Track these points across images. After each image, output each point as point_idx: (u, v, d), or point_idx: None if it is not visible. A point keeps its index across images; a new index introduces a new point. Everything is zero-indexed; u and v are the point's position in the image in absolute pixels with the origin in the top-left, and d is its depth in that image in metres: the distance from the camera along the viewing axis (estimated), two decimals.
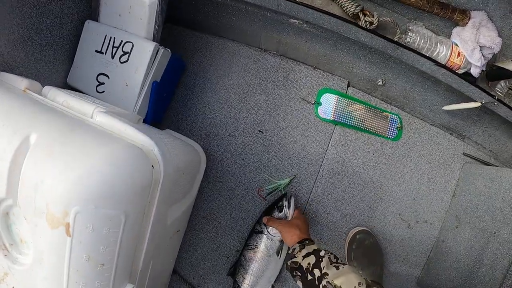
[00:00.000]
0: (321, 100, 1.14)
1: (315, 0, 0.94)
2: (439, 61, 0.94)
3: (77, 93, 0.83)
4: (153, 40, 0.97)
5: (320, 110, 1.14)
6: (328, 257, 0.79)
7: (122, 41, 0.96)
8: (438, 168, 1.18)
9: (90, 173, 0.53)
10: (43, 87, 0.74)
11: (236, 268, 1.12)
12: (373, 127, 1.15)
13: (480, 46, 0.92)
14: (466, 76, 0.96)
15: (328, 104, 1.14)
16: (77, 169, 0.53)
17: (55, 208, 0.52)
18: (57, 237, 0.53)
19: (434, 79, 0.99)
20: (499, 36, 0.92)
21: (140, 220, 0.63)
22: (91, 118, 0.67)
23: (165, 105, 1.17)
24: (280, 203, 1.06)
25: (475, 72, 0.94)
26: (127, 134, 0.65)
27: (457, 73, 0.95)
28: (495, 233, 0.98)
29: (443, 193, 1.18)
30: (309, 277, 0.78)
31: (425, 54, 0.95)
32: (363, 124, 1.15)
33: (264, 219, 1.06)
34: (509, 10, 0.93)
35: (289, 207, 1.04)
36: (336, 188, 1.17)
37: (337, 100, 1.14)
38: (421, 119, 1.18)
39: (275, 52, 1.17)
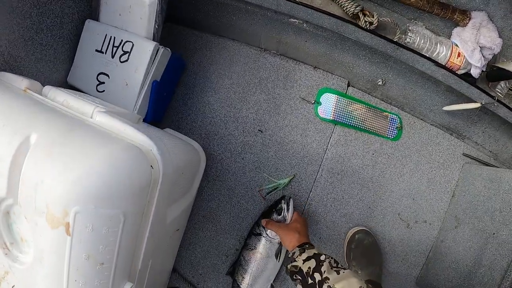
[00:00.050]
0: (321, 100, 1.14)
1: (315, 0, 0.94)
2: (439, 61, 0.94)
3: (77, 92, 0.83)
4: (153, 40, 0.97)
5: (320, 109, 1.14)
6: (329, 262, 0.79)
7: (122, 40, 0.96)
8: (438, 168, 1.18)
9: (90, 174, 0.54)
10: (44, 86, 0.74)
11: (235, 268, 1.12)
12: (373, 127, 1.15)
13: (480, 47, 0.92)
14: (466, 76, 0.96)
15: (328, 104, 1.14)
16: (76, 169, 0.53)
17: (55, 208, 0.52)
18: (57, 237, 0.54)
19: (434, 79, 0.99)
20: (500, 36, 0.92)
21: (139, 219, 0.63)
22: (91, 118, 0.68)
23: (165, 105, 1.17)
24: (279, 206, 1.05)
25: (475, 72, 0.94)
26: (126, 134, 0.66)
27: (457, 73, 0.95)
28: (494, 234, 0.98)
29: (443, 193, 1.19)
30: (310, 281, 0.78)
31: (425, 54, 0.95)
32: (363, 124, 1.15)
33: (263, 222, 1.05)
34: (509, 11, 0.92)
35: (288, 209, 1.03)
36: (335, 187, 1.17)
37: (337, 99, 1.14)
38: (421, 119, 1.18)
39: (275, 52, 1.17)
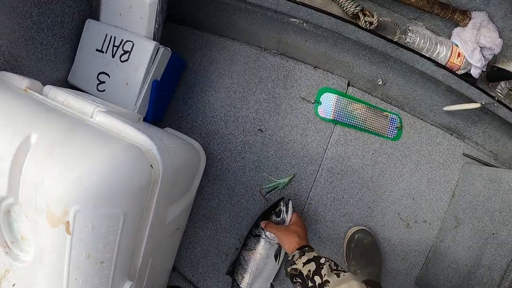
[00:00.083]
0: (321, 100, 1.15)
1: (315, 0, 0.94)
2: (439, 61, 0.94)
3: (77, 92, 0.83)
4: (154, 39, 0.97)
5: (320, 109, 1.15)
6: (329, 264, 0.79)
7: (122, 40, 0.96)
8: (438, 168, 1.18)
9: (90, 173, 0.54)
10: (44, 86, 0.74)
11: (235, 267, 1.13)
12: (373, 127, 1.15)
13: (480, 47, 0.92)
14: (466, 76, 0.96)
15: (328, 104, 1.14)
16: (76, 169, 0.54)
17: (55, 207, 0.53)
18: (57, 235, 0.54)
19: (434, 79, 0.99)
20: (500, 37, 0.92)
21: (139, 218, 0.63)
22: (91, 117, 0.68)
23: (166, 104, 1.17)
24: (278, 208, 1.05)
25: (475, 73, 0.94)
26: (126, 134, 0.66)
27: (457, 73, 0.95)
28: (493, 234, 0.98)
29: (443, 193, 1.19)
30: (310, 284, 0.78)
31: (425, 54, 0.95)
32: (363, 124, 1.15)
33: (262, 224, 1.05)
34: (510, 11, 0.92)
35: (287, 212, 1.02)
36: (335, 187, 1.17)
37: (337, 99, 1.14)
38: (421, 119, 1.18)
39: (275, 51, 1.18)
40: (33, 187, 0.54)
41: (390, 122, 1.16)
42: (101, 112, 0.67)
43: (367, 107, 1.15)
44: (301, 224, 0.99)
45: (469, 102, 0.99)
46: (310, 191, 1.17)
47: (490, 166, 1.16)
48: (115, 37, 0.98)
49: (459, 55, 0.93)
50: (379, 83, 1.13)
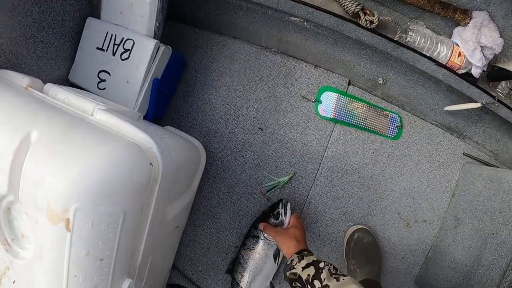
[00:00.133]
0: (321, 98, 1.15)
1: None
2: (439, 61, 0.94)
3: (78, 90, 0.84)
4: (154, 38, 0.98)
5: (320, 108, 1.14)
6: (328, 269, 0.79)
7: (123, 38, 0.97)
8: (438, 168, 1.18)
9: (90, 171, 0.54)
10: (45, 84, 0.75)
11: (235, 266, 1.13)
12: (373, 126, 1.15)
13: (481, 47, 0.92)
14: (467, 76, 0.96)
15: (329, 102, 1.14)
16: (77, 167, 0.54)
17: (55, 204, 0.53)
18: (57, 233, 0.54)
19: (435, 78, 0.99)
20: (501, 36, 0.92)
21: (139, 216, 0.64)
22: (92, 115, 0.68)
23: (166, 102, 1.18)
24: (276, 210, 1.04)
25: (476, 72, 0.94)
26: (126, 132, 0.66)
27: (457, 73, 0.94)
28: (493, 234, 0.98)
29: (443, 193, 1.19)
30: None
31: (426, 53, 0.94)
32: (363, 123, 1.15)
33: (261, 226, 1.04)
34: (511, 11, 0.92)
35: (285, 214, 1.02)
36: (335, 186, 1.17)
37: (338, 98, 1.14)
38: (422, 118, 1.18)
39: (276, 50, 1.18)
40: (33, 185, 0.55)
41: (391, 121, 1.16)
42: (101, 110, 0.68)
43: (367, 106, 1.15)
44: (300, 227, 0.97)
45: (470, 102, 0.99)
46: (310, 189, 1.17)
47: (490, 166, 1.16)
48: (115, 35, 0.98)
49: (459, 54, 0.93)
50: (379, 82, 1.12)
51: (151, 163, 0.63)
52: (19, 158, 0.56)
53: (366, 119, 1.15)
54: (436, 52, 0.95)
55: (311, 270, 0.79)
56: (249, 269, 1.09)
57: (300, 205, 1.18)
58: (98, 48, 1.00)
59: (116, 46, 0.98)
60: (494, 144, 1.17)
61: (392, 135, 1.16)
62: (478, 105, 0.96)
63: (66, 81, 1.04)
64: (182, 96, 1.20)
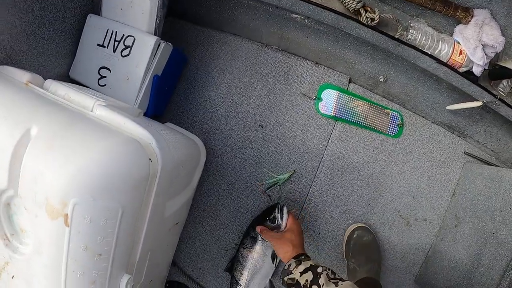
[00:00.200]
0: (322, 96, 1.14)
1: None
2: (440, 59, 0.94)
3: (78, 86, 0.84)
4: (155, 34, 0.98)
5: (321, 105, 1.14)
6: (326, 273, 0.78)
7: (123, 35, 0.97)
8: (439, 167, 1.18)
9: (89, 166, 0.55)
10: (45, 80, 0.75)
11: (234, 264, 1.13)
12: (374, 124, 1.15)
13: (482, 45, 0.91)
14: (468, 74, 0.96)
15: (329, 100, 1.14)
16: (76, 162, 0.54)
17: (54, 199, 0.53)
18: (56, 228, 0.55)
19: (436, 77, 0.99)
20: (502, 35, 0.92)
21: (137, 212, 0.64)
22: (92, 111, 0.68)
23: (167, 99, 1.18)
24: (273, 214, 1.03)
25: (477, 70, 0.94)
26: (126, 128, 0.66)
27: (458, 71, 0.94)
28: (493, 233, 0.98)
29: (443, 192, 1.18)
30: None
31: (427, 51, 0.94)
32: (364, 121, 1.15)
33: (258, 229, 1.03)
34: None
35: (281, 218, 1.00)
36: (335, 184, 1.17)
37: (338, 96, 1.14)
38: (423, 117, 1.18)
39: (277, 47, 1.17)
40: (32, 180, 0.55)
41: (391, 120, 1.16)
42: (101, 106, 0.68)
43: (368, 104, 1.15)
44: (296, 231, 0.95)
45: (471, 101, 0.99)
46: (310, 187, 1.17)
47: (491, 165, 1.15)
48: (116, 32, 0.98)
49: (461, 52, 0.93)
50: (380, 80, 1.12)
51: (150, 159, 0.63)
52: (19, 153, 0.56)
53: (367, 117, 1.15)
54: (437, 50, 0.94)
55: (309, 275, 0.78)
56: (248, 267, 1.09)
57: (300, 202, 1.18)
58: (98, 45, 1.00)
59: (116, 43, 0.98)
60: (495, 143, 1.17)
61: (392, 133, 1.16)
62: (479, 103, 0.96)
63: (66, 78, 1.04)
64: (183, 93, 1.20)
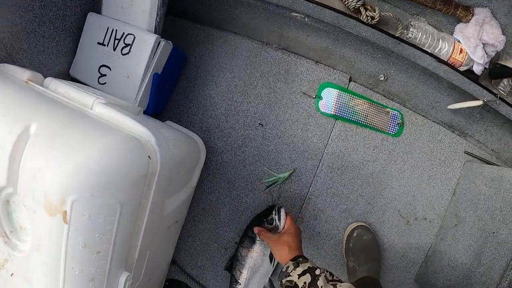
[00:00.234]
0: (322, 95, 1.14)
1: None
2: (441, 57, 0.94)
3: (78, 84, 0.84)
4: (155, 33, 0.98)
5: (321, 104, 1.14)
6: (324, 276, 0.78)
7: (124, 33, 0.97)
8: (439, 166, 1.18)
9: (87, 163, 0.54)
10: (45, 78, 0.75)
11: (233, 263, 1.13)
12: (374, 123, 1.15)
13: (483, 44, 0.91)
14: (469, 73, 0.96)
15: (329, 99, 1.14)
16: (75, 159, 0.54)
17: (53, 196, 0.53)
18: (54, 225, 0.55)
19: (436, 75, 0.98)
20: (503, 33, 0.91)
21: (136, 209, 0.64)
22: (91, 109, 0.68)
23: (167, 97, 1.18)
24: (270, 216, 1.02)
25: (477, 69, 0.94)
26: (125, 125, 0.66)
27: (459, 70, 0.94)
28: (494, 233, 0.98)
29: (443, 191, 1.18)
30: None
31: (427, 50, 0.94)
32: (364, 120, 1.15)
33: (255, 229, 1.03)
34: None
35: (279, 219, 1.00)
36: (335, 182, 1.17)
37: (338, 94, 1.14)
38: (423, 116, 1.18)
39: (277, 46, 1.17)
40: (31, 177, 0.55)
41: (392, 118, 1.16)
42: (101, 104, 0.68)
43: (368, 102, 1.15)
44: (294, 233, 0.94)
45: (472, 100, 0.99)
46: (310, 186, 1.17)
47: (491, 164, 1.15)
48: (116, 30, 0.98)
49: (461, 51, 0.93)
50: (381, 78, 1.12)
51: (149, 156, 0.63)
52: (18, 150, 0.56)
53: (367, 116, 1.14)
54: (438, 49, 0.94)
55: (307, 278, 0.78)
56: (248, 266, 1.09)
57: (300, 201, 1.17)
58: (99, 43, 1.00)
59: (116, 41, 0.98)
60: (496, 142, 1.16)
61: (393, 132, 1.16)
62: (479, 102, 0.96)
63: (67, 76, 1.04)
64: (183, 92, 1.20)
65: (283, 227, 0.99)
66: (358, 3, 0.89)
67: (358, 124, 1.15)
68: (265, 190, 1.17)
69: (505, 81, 0.99)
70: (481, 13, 0.90)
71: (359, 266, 1.09)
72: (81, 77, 1.03)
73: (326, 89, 1.14)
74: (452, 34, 0.95)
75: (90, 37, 1.01)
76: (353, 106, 1.14)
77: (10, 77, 0.72)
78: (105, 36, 0.99)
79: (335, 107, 1.14)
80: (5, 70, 0.74)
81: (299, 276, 0.79)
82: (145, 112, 1.01)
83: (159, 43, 0.97)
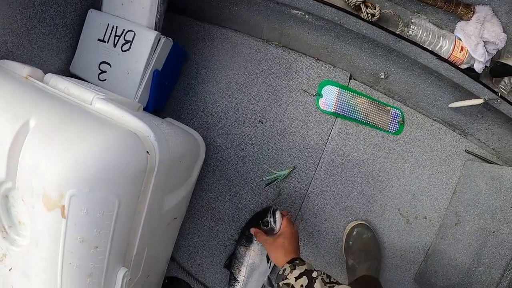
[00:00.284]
0: (322, 92, 1.14)
1: None
2: (441, 55, 0.93)
3: (78, 80, 0.84)
4: (155, 29, 0.98)
5: (321, 102, 1.14)
6: (321, 278, 0.78)
7: (124, 30, 0.97)
8: (440, 165, 1.17)
9: (86, 158, 0.54)
10: (45, 74, 0.75)
11: (232, 261, 1.13)
12: (374, 121, 1.15)
13: (484, 41, 0.91)
14: (469, 71, 0.95)
15: (330, 96, 1.14)
16: (73, 153, 0.54)
17: (51, 190, 0.53)
18: (52, 219, 0.55)
19: (437, 73, 0.98)
20: (504, 31, 0.91)
21: (135, 205, 0.64)
22: (91, 105, 0.68)
23: (167, 94, 1.18)
24: (265, 219, 1.01)
25: (478, 67, 0.93)
26: (124, 120, 0.66)
27: (459, 68, 0.93)
28: (494, 232, 0.97)
29: (444, 190, 1.18)
30: None
31: (428, 47, 0.94)
32: (365, 118, 1.14)
33: (252, 230, 1.02)
34: None
35: (274, 222, 0.99)
36: (335, 180, 1.17)
37: (339, 92, 1.14)
38: (424, 114, 1.17)
39: (277, 43, 1.17)
40: (30, 171, 0.55)
41: (392, 117, 1.15)
42: (100, 99, 0.68)
43: (369, 100, 1.14)
44: (289, 235, 0.93)
45: (472, 98, 0.98)
46: (310, 184, 1.17)
47: (492, 163, 1.14)
48: (116, 27, 0.98)
49: (462, 49, 0.92)
50: (381, 76, 1.12)
51: (148, 152, 0.63)
52: (17, 145, 0.56)
53: (368, 114, 1.14)
54: (438, 46, 0.94)
55: (304, 281, 0.78)
56: (246, 264, 1.09)
57: (300, 199, 1.17)
58: (99, 40, 1.00)
59: (117, 38, 0.98)
60: (497, 142, 1.16)
61: (393, 130, 1.16)
62: (480, 101, 0.95)
63: (67, 73, 1.04)
64: (183, 88, 1.20)
65: (279, 229, 0.98)
66: (359, 0, 0.89)
67: (358, 122, 1.15)
68: (264, 187, 1.17)
69: (506, 79, 0.99)
70: (482, 11, 0.90)
71: (358, 265, 1.09)
72: (81, 73, 1.03)
73: (326, 86, 1.14)
74: (453, 31, 0.95)
75: (90, 34, 1.01)
76: (353, 104, 1.14)
77: (10, 73, 0.72)
78: (105, 32, 0.99)
79: (335, 105, 1.13)
80: (5, 66, 0.75)
81: (296, 279, 0.79)
82: (145, 109, 1.01)
83: (159, 39, 0.97)
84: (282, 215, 1.00)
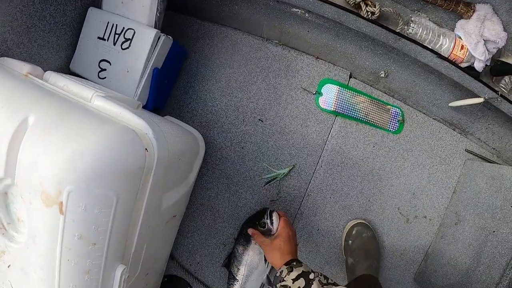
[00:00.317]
0: (322, 91, 1.14)
1: None
2: (442, 53, 0.93)
3: (78, 78, 0.84)
4: (155, 27, 0.98)
5: (321, 100, 1.14)
6: (319, 280, 0.78)
7: (124, 28, 0.97)
8: (440, 164, 1.17)
9: (84, 154, 0.54)
10: (45, 72, 0.75)
11: (231, 260, 1.13)
12: (374, 120, 1.14)
13: (484, 40, 0.90)
14: (470, 70, 0.95)
15: (329, 95, 1.14)
16: (71, 150, 0.54)
17: (49, 187, 0.53)
18: (50, 216, 0.55)
19: (437, 72, 0.98)
20: (504, 30, 0.90)
21: (133, 202, 0.64)
22: (90, 102, 0.68)
23: (167, 92, 1.18)
24: (262, 220, 1.01)
25: (478, 66, 0.93)
26: (123, 118, 0.66)
27: (460, 66, 0.93)
28: (494, 231, 0.97)
29: (444, 189, 1.17)
30: None
31: (428, 46, 0.93)
32: (365, 116, 1.14)
33: (249, 231, 1.02)
34: None
35: (271, 223, 0.99)
36: (335, 179, 1.17)
37: (339, 91, 1.13)
38: (424, 113, 1.17)
39: (277, 41, 1.17)
40: (29, 168, 0.55)
41: (392, 115, 1.15)
42: (100, 97, 0.68)
43: (369, 99, 1.14)
44: (286, 237, 0.93)
45: (473, 97, 0.98)
46: (310, 182, 1.17)
47: (492, 163, 1.14)
48: (116, 25, 0.98)
49: (462, 47, 0.92)
50: (381, 75, 1.11)
51: (146, 149, 0.63)
52: (16, 141, 0.56)
53: (368, 113, 1.14)
54: (438, 45, 0.94)
55: (301, 282, 0.78)
56: (245, 262, 1.09)
57: (299, 198, 1.17)
58: (99, 38, 1.00)
59: (117, 36, 0.98)
60: (497, 141, 1.15)
61: (393, 129, 1.15)
62: (480, 100, 0.95)
63: (67, 70, 1.04)
64: (183, 87, 1.20)
65: (277, 230, 0.98)
66: None
67: (358, 121, 1.15)
68: (264, 186, 1.17)
69: (506, 78, 0.99)
70: (482, 10, 0.89)
71: (358, 264, 1.09)
72: (81, 71, 1.03)
73: (326, 85, 1.14)
74: (453, 30, 0.95)
75: (90, 32, 1.01)
76: (353, 103, 1.13)
77: (10, 70, 0.72)
78: (105, 30, 0.99)
79: (335, 104, 1.13)
80: (5, 63, 0.75)
81: (293, 280, 0.79)
82: (144, 107, 1.01)
83: (159, 38, 0.97)
84: (279, 216, 1.00)
